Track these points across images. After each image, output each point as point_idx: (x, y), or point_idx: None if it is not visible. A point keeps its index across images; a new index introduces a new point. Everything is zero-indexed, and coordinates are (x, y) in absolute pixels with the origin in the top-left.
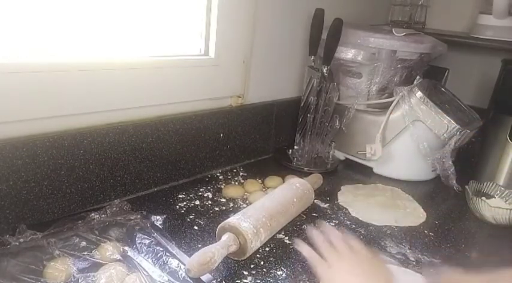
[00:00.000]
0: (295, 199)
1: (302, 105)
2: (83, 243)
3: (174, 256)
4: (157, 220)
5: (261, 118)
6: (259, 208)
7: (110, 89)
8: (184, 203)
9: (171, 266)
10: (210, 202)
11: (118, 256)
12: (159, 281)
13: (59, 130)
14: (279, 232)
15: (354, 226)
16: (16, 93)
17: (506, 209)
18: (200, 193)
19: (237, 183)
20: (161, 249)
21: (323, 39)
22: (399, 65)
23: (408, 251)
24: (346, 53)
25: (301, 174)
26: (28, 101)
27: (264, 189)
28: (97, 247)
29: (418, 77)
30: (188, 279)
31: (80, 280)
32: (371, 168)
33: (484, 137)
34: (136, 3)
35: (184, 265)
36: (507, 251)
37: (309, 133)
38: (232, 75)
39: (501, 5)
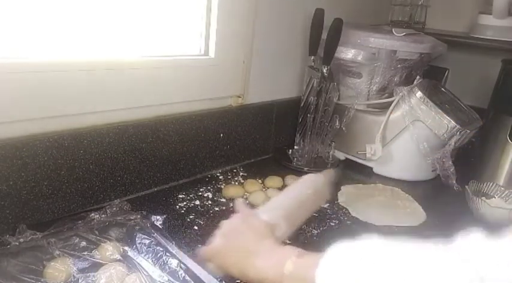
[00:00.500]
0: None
1: (302, 105)
2: (83, 243)
3: (174, 256)
4: (157, 220)
5: (261, 118)
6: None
7: (110, 89)
8: (184, 203)
9: (171, 266)
10: (210, 202)
11: (118, 256)
12: (159, 281)
13: (59, 130)
14: None
15: (354, 226)
16: (16, 93)
17: (506, 209)
18: (200, 193)
19: (237, 183)
20: (161, 249)
21: (323, 39)
22: (399, 65)
23: None
24: (346, 53)
25: (301, 174)
26: (28, 101)
27: (264, 189)
28: (97, 247)
29: (418, 77)
30: (188, 279)
31: (80, 280)
32: (371, 168)
33: (484, 137)
34: (136, 3)
35: (184, 265)
36: None
37: (309, 133)
38: (232, 75)
39: (501, 5)
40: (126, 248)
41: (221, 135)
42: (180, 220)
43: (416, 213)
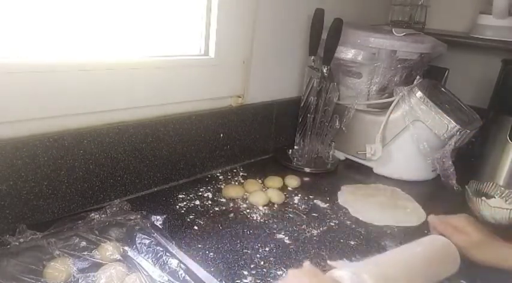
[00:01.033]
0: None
1: (302, 105)
2: (83, 243)
3: (174, 256)
4: (157, 220)
5: (261, 118)
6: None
7: (110, 89)
8: (184, 203)
9: (171, 266)
10: (210, 202)
11: (118, 256)
12: (159, 281)
13: (59, 130)
14: (279, 232)
15: (354, 226)
16: (16, 93)
17: (506, 209)
18: (200, 193)
19: (237, 183)
20: (161, 249)
21: (323, 39)
22: (399, 65)
23: None
24: (346, 53)
25: (301, 174)
26: (28, 101)
27: (264, 189)
28: (97, 247)
29: (418, 77)
30: (188, 279)
31: (80, 280)
32: (371, 168)
33: (484, 136)
34: (137, 3)
35: (184, 265)
36: None
37: (309, 133)
38: (232, 75)
39: (501, 5)
40: (126, 248)
41: (221, 135)
42: (180, 220)
43: (416, 213)
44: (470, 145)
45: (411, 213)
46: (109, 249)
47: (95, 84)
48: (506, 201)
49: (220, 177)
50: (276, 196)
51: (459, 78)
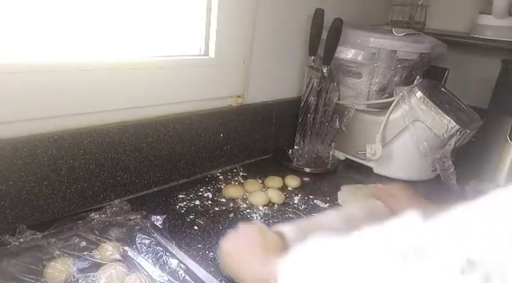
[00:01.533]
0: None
1: (302, 105)
2: (83, 243)
3: (174, 256)
4: (157, 220)
5: (261, 118)
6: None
7: (110, 89)
8: (184, 203)
9: (171, 266)
10: (210, 202)
11: (118, 256)
12: (159, 281)
13: (59, 130)
14: None
15: None
16: (16, 93)
17: None
18: (200, 193)
19: (237, 183)
20: (161, 249)
21: (323, 39)
22: (399, 65)
23: None
24: (346, 53)
25: (301, 174)
26: (28, 101)
27: (264, 189)
28: (97, 247)
29: (418, 77)
30: (188, 279)
31: (80, 280)
32: (371, 168)
33: (484, 137)
34: (137, 3)
35: (184, 265)
36: None
37: (309, 133)
38: (232, 75)
39: (501, 5)
40: (126, 248)
41: (221, 135)
42: (180, 220)
43: None
44: (470, 146)
45: None
46: (109, 249)
47: (95, 84)
48: None
49: (220, 177)
50: (276, 197)
51: (459, 78)
